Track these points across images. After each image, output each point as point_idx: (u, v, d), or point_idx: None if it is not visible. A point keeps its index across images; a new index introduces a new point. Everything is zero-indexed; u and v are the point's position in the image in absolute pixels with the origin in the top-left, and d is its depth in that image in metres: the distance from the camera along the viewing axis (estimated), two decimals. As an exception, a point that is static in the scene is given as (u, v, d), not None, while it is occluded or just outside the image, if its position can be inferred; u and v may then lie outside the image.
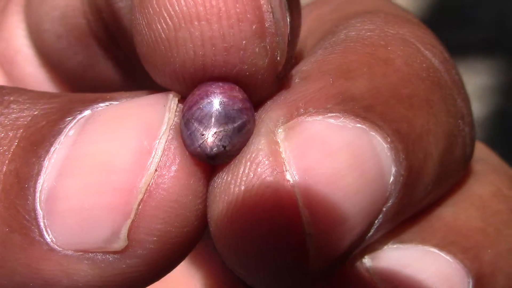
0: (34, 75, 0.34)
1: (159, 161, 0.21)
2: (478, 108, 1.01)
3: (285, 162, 0.21)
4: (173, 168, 0.21)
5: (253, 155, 0.21)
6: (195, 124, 0.21)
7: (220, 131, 0.21)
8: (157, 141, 0.21)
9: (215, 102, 0.21)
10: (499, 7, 1.18)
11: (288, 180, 0.21)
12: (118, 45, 0.31)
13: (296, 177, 0.21)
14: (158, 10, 0.20)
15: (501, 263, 0.26)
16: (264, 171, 0.21)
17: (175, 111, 0.22)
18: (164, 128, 0.21)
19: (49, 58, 0.33)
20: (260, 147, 0.21)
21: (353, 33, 0.25)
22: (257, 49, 0.21)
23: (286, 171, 0.21)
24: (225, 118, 0.21)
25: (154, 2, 0.20)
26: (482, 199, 0.27)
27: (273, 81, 0.22)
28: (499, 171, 0.28)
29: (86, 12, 0.30)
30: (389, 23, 0.25)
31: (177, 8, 0.20)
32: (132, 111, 0.22)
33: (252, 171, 0.21)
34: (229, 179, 0.21)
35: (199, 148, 0.21)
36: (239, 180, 0.21)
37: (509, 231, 0.26)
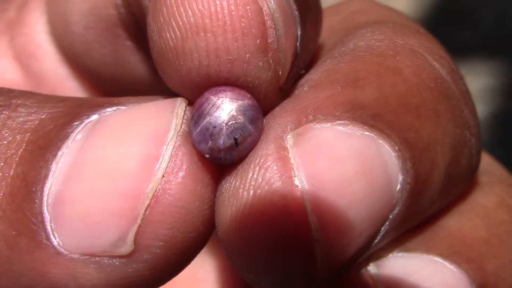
0: (54, 70, 0.34)
1: (166, 167, 0.21)
2: (479, 109, 1.01)
3: (294, 168, 0.21)
4: (180, 174, 0.21)
5: (262, 160, 0.21)
6: (205, 121, 0.21)
7: (231, 125, 0.21)
8: (165, 147, 0.21)
9: (226, 98, 0.21)
10: (500, 9, 1.18)
11: (297, 186, 0.21)
12: (147, 39, 0.31)
13: (305, 183, 0.21)
14: (168, 19, 0.21)
15: (504, 273, 0.26)
16: (273, 176, 0.21)
17: (183, 118, 0.22)
18: (172, 134, 0.21)
19: (72, 52, 0.33)
20: (268, 152, 0.21)
21: (362, 42, 0.25)
22: (260, 63, 0.21)
23: (294, 176, 0.21)
24: (236, 111, 0.21)
25: (165, 11, 0.21)
26: (487, 210, 0.27)
27: (276, 93, 0.23)
28: (504, 182, 0.28)
29: (117, 4, 0.30)
30: (398, 34, 0.25)
31: (185, 19, 0.21)
32: (139, 117, 0.22)
33: (260, 176, 0.21)
34: (237, 183, 0.22)
35: (210, 142, 0.21)
36: (247, 184, 0.21)
37: None
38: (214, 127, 0.21)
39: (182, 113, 0.22)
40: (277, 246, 0.21)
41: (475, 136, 0.26)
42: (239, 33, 0.21)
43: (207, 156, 0.21)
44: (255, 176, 0.21)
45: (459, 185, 0.26)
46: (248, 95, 0.22)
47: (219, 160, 0.22)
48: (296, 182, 0.21)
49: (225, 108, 0.21)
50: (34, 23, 0.34)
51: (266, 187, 0.21)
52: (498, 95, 1.08)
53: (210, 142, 0.21)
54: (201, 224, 0.22)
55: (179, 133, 0.22)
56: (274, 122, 0.22)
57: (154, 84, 0.32)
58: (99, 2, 0.31)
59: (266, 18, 0.21)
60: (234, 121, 0.21)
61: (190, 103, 0.23)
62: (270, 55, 0.21)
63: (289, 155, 0.21)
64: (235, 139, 0.21)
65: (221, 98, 0.21)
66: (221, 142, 0.21)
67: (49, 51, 0.34)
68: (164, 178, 0.21)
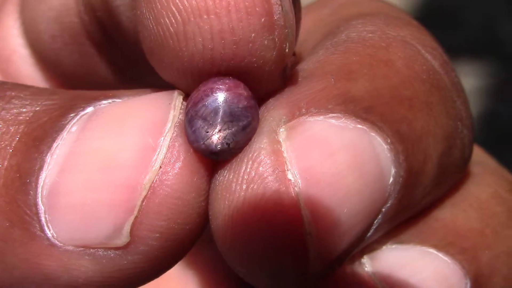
0: (30, 74, 0.34)
1: (164, 158, 0.21)
2: (467, 110, 1.01)
3: (287, 162, 0.21)
4: (177, 165, 0.21)
5: (255, 154, 0.21)
6: (199, 121, 0.21)
7: (225, 129, 0.21)
8: (162, 138, 0.21)
9: (220, 100, 0.21)
10: (488, 10, 1.19)
11: (290, 180, 0.21)
12: (114, 44, 0.31)
13: (298, 177, 0.21)
14: (166, 4, 0.20)
15: (498, 264, 0.26)
16: (266, 170, 0.21)
17: (180, 109, 0.22)
18: (169, 125, 0.21)
19: (45, 58, 0.33)
20: (262, 146, 0.21)
21: (354, 34, 0.25)
22: (265, 42, 0.21)
23: (287, 170, 0.21)
24: (230, 116, 0.21)
25: None
26: (480, 201, 0.27)
27: (280, 74, 0.22)
28: (497, 174, 0.29)
29: (80, 12, 0.30)
30: (390, 25, 0.25)
31: (186, 3, 0.20)
32: (136, 109, 0.22)
33: (254, 169, 0.21)
34: (231, 177, 0.21)
35: (203, 145, 0.21)
36: (240, 178, 0.21)
37: (507, 233, 0.27)
38: (207, 131, 0.21)
39: (180, 105, 0.22)
40: (269, 240, 0.21)
41: (468, 127, 0.26)
42: (243, 12, 0.20)
43: (200, 154, 0.21)
44: (248, 170, 0.21)
45: (452, 176, 0.26)
46: (245, 93, 0.22)
47: (211, 158, 0.22)
48: (289, 176, 0.21)
49: (220, 112, 0.21)
50: (9, 27, 0.34)
51: (259, 181, 0.21)
52: (485, 95, 1.09)
53: (203, 144, 0.21)
54: (197, 215, 0.22)
55: (176, 124, 0.21)
56: (268, 115, 0.22)
57: (123, 88, 0.32)
58: (63, 11, 0.31)
59: None
60: (227, 128, 0.21)
61: (186, 95, 0.22)
62: (276, 33, 0.21)
63: (282, 149, 0.21)
64: (228, 144, 0.21)
65: (217, 99, 0.21)
66: (213, 146, 0.21)
67: (24, 55, 0.34)
68: (161, 169, 0.21)
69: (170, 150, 0.21)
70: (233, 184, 0.21)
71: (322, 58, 0.24)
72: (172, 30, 0.21)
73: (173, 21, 0.20)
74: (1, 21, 0.34)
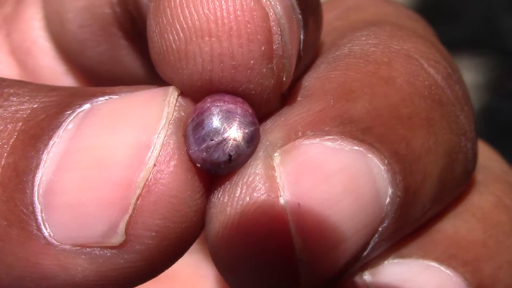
0: (50, 67, 0.34)
1: (158, 156, 0.21)
2: (467, 105, 1.01)
3: (280, 188, 0.21)
4: (172, 163, 0.21)
5: (250, 179, 0.21)
6: (204, 130, 0.21)
7: (229, 141, 0.21)
8: (156, 136, 0.21)
9: (228, 112, 0.21)
10: (486, 4, 1.19)
11: (282, 206, 0.21)
12: (144, 38, 0.31)
13: (289, 203, 0.21)
14: (171, 21, 0.20)
15: (501, 275, 0.26)
16: (260, 196, 0.21)
17: (175, 106, 0.22)
18: (163, 122, 0.21)
19: (68, 50, 0.33)
20: (257, 171, 0.21)
21: (357, 47, 0.25)
22: (264, 70, 0.21)
23: (280, 196, 0.21)
24: (234, 129, 0.21)
25: (168, 12, 0.21)
26: (483, 211, 0.27)
27: (277, 100, 0.22)
28: (501, 180, 0.28)
29: (112, 3, 0.30)
30: (394, 38, 0.25)
31: (190, 22, 0.20)
32: (131, 105, 0.22)
33: (248, 195, 0.21)
34: (225, 200, 0.21)
35: (205, 153, 0.21)
36: (235, 203, 0.21)
37: (510, 242, 0.26)
38: (212, 140, 0.21)
39: (174, 101, 0.22)
40: (262, 265, 0.21)
41: (471, 140, 0.25)
42: (244, 38, 0.20)
43: (198, 165, 0.21)
44: (242, 195, 0.21)
45: (453, 191, 0.26)
46: (250, 110, 0.22)
47: (209, 171, 0.21)
48: (281, 202, 0.21)
49: (226, 123, 0.21)
50: (31, 19, 0.34)
51: (253, 207, 0.21)
52: (484, 90, 1.09)
53: (205, 153, 0.21)
54: (194, 214, 0.21)
55: (170, 122, 0.21)
56: (265, 138, 0.22)
57: (150, 82, 0.31)
58: (94, 1, 0.30)
59: (272, 24, 0.21)
60: (232, 139, 0.21)
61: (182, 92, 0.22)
62: (274, 62, 0.21)
63: (276, 174, 0.21)
64: (230, 156, 0.21)
65: (222, 111, 0.21)
66: (216, 156, 0.21)
67: (45, 47, 0.34)
68: (155, 167, 0.20)
69: (165, 147, 0.21)
70: (228, 208, 0.21)
71: (323, 75, 0.23)
72: (174, 47, 0.21)
73: (176, 38, 0.21)
74: (22, 13, 0.34)
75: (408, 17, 0.29)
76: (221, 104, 0.21)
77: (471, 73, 1.09)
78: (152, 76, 0.32)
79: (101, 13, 0.30)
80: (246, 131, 0.21)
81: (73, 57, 0.33)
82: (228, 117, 0.21)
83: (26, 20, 0.34)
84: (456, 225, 0.26)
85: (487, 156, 0.30)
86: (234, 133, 0.21)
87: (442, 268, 0.25)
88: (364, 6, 0.30)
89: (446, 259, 0.25)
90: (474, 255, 0.25)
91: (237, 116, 0.21)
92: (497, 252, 0.26)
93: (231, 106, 0.21)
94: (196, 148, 0.21)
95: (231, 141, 0.21)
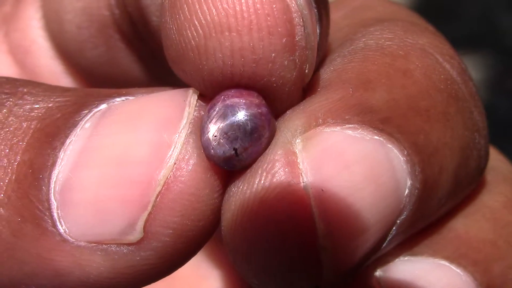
0: (48, 67, 0.34)
1: (178, 155, 0.21)
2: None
3: (302, 174, 0.21)
4: (192, 161, 0.21)
5: (270, 165, 0.21)
6: (210, 126, 0.21)
7: (231, 134, 0.21)
8: (177, 135, 0.21)
9: (233, 106, 0.21)
10: (485, 2, 1.19)
11: (305, 192, 0.20)
12: (143, 40, 0.31)
13: (313, 189, 0.20)
14: (189, 17, 0.20)
15: (511, 275, 0.26)
16: (281, 182, 0.21)
17: (195, 106, 0.22)
18: (185, 122, 0.21)
19: (66, 50, 0.33)
20: (277, 157, 0.21)
21: (372, 41, 0.24)
22: (286, 62, 0.21)
23: (302, 182, 0.21)
24: (239, 122, 0.21)
25: (186, 9, 0.20)
26: (493, 211, 0.27)
27: (299, 93, 0.22)
28: (509, 181, 0.28)
29: (111, 5, 0.30)
30: (408, 32, 0.25)
31: (209, 18, 0.20)
32: (150, 105, 0.22)
33: (268, 181, 0.21)
34: (244, 188, 0.21)
35: (212, 151, 0.21)
36: (254, 190, 0.21)
37: None
38: (215, 136, 0.21)
39: (195, 102, 0.22)
40: (282, 253, 0.21)
41: (484, 137, 0.25)
42: (265, 32, 0.20)
43: (212, 162, 0.21)
44: (262, 181, 0.21)
45: (467, 187, 0.26)
46: (258, 101, 0.21)
47: (221, 167, 0.21)
48: (304, 188, 0.20)
49: (229, 118, 0.21)
50: (30, 19, 0.34)
51: (273, 193, 0.21)
52: (484, 88, 1.09)
53: (212, 150, 0.21)
54: (211, 212, 0.22)
55: (191, 121, 0.21)
56: (283, 126, 0.22)
57: (147, 84, 0.31)
58: (92, 2, 0.30)
59: (294, 15, 0.20)
60: (233, 132, 0.21)
61: (201, 94, 0.22)
62: (296, 54, 0.21)
63: (298, 160, 0.21)
64: (235, 149, 0.21)
65: (226, 106, 0.21)
66: (222, 152, 0.21)
67: (44, 47, 0.34)
68: (175, 165, 0.21)
69: (185, 146, 0.21)
70: (247, 196, 0.21)
71: (340, 67, 0.23)
72: (193, 44, 0.21)
73: (195, 34, 0.20)
74: (21, 12, 0.34)
75: (415, 16, 0.29)
76: (227, 99, 0.21)
77: (470, 71, 1.09)
78: (149, 78, 0.32)
79: (99, 15, 0.30)
80: (251, 122, 0.21)
81: (71, 57, 0.33)
82: (232, 111, 0.21)
83: (25, 19, 0.34)
84: (466, 225, 0.26)
85: (493, 157, 0.30)
86: (237, 125, 0.21)
87: (452, 267, 0.25)
88: (371, 6, 0.30)
89: (456, 258, 0.25)
90: (484, 255, 0.25)
91: (240, 109, 0.21)
92: (507, 252, 0.26)
93: (236, 99, 0.21)
94: (205, 146, 0.21)
95: (233, 134, 0.21)
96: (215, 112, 0.21)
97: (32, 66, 0.34)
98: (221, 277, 0.36)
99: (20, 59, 0.34)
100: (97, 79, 0.33)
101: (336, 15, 0.29)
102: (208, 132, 0.21)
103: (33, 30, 0.34)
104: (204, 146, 0.21)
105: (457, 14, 1.17)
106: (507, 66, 1.11)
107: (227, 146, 0.21)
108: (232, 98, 0.21)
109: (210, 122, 0.21)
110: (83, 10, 0.31)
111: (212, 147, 0.21)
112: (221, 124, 0.21)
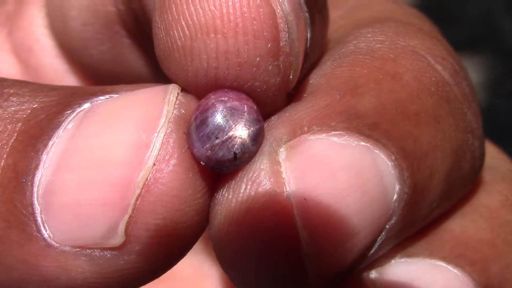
0: (52, 65, 0.34)
1: (157, 155, 0.20)
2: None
3: (285, 183, 0.21)
4: (172, 162, 0.20)
5: (255, 175, 0.21)
6: (209, 127, 0.21)
7: (234, 138, 0.21)
8: (156, 135, 0.20)
9: (233, 110, 0.21)
10: (485, 5, 1.19)
11: (287, 201, 0.20)
12: (147, 36, 0.31)
13: (295, 198, 0.20)
14: (176, 17, 0.20)
15: (509, 274, 0.25)
16: (266, 191, 0.21)
17: (175, 104, 0.21)
18: (163, 121, 0.21)
19: (71, 48, 0.33)
20: (262, 166, 0.21)
21: (363, 44, 0.24)
22: (270, 67, 0.21)
23: (285, 191, 0.21)
24: (242, 126, 0.21)
25: (174, 9, 0.20)
26: (490, 210, 0.26)
27: (283, 98, 0.22)
28: (508, 179, 0.28)
29: (116, 1, 0.30)
30: (400, 34, 0.25)
31: (195, 19, 0.20)
32: (131, 104, 0.21)
33: (253, 190, 0.21)
34: (230, 196, 0.21)
35: (209, 151, 0.21)
36: (240, 198, 0.21)
37: None
38: (217, 138, 0.21)
39: (174, 99, 0.21)
40: (267, 261, 0.21)
41: (478, 138, 0.25)
42: (250, 36, 0.20)
43: (202, 163, 0.21)
44: (247, 190, 0.21)
45: (461, 189, 0.25)
46: (255, 107, 0.21)
47: (213, 169, 0.21)
48: (287, 197, 0.20)
49: (231, 121, 0.21)
50: (33, 17, 0.34)
51: (258, 202, 0.21)
52: (484, 90, 1.09)
53: (209, 151, 0.21)
54: (195, 213, 0.21)
55: (170, 120, 0.21)
56: (269, 134, 0.22)
57: (154, 81, 0.31)
58: None
59: (279, 21, 0.20)
60: (237, 137, 0.21)
61: (183, 89, 0.22)
62: (280, 60, 0.21)
63: (281, 169, 0.21)
64: (235, 154, 0.21)
65: (227, 108, 0.21)
66: (220, 154, 0.21)
67: (48, 45, 0.34)
68: (155, 167, 0.20)
69: (164, 146, 0.20)
70: (232, 204, 0.21)
71: (329, 71, 0.23)
72: (179, 44, 0.20)
73: (181, 35, 0.20)
74: (24, 10, 0.34)
75: (413, 15, 0.29)
76: (226, 100, 0.21)
77: (470, 73, 1.08)
78: (155, 74, 0.32)
79: (104, 11, 0.30)
80: (252, 129, 0.21)
81: (76, 55, 0.33)
82: (233, 114, 0.21)
83: (29, 18, 0.34)
84: (463, 225, 0.26)
85: (493, 156, 0.29)
86: (240, 131, 0.21)
87: (450, 267, 0.25)
88: (369, 4, 0.29)
89: (453, 259, 0.25)
90: (482, 255, 0.25)
91: (243, 114, 0.21)
92: (505, 251, 0.26)
93: (236, 103, 0.21)
94: (200, 146, 0.21)
95: (236, 139, 0.21)
96: (214, 115, 0.21)
97: (36, 65, 0.34)
98: (222, 277, 0.36)
99: (24, 58, 0.34)
100: (101, 77, 0.33)
101: (334, 13, 0.28)
102: (204, 133, 0.21)
103: (36, 28, 0.34)
104: (196, 147, 0.21)
105: (458, 17, 1.17)
106: (508, 68, 1.11)
107: (227, 150, 0.21)
108: (231, 101, 0.21)
109: (206, 124, 0.21)
110: (88, 6, 0.30)
111: (211, 149, 0.21)
112: (225, 128, 0.21)
